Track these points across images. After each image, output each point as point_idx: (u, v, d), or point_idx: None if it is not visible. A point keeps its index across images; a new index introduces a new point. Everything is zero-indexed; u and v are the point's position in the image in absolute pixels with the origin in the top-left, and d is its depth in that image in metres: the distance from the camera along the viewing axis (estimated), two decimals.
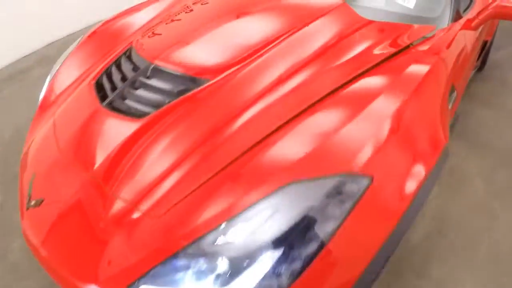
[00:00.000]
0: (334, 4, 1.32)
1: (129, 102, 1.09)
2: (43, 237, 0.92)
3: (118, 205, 0.87)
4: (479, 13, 1.44)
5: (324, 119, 0.92)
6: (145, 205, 0.84)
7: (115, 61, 1.32)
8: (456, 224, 1.47)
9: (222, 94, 1.03)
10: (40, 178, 1.05)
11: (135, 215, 0.84)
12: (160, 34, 1.37)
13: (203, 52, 1.18)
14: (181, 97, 1.03)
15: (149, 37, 1.37)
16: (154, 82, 1.12)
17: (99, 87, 1.23)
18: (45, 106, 1.39)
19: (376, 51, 1.13)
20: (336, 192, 0.75)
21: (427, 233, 1.44)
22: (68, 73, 1.49)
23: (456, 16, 1.41)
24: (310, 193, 0.75)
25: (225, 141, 0.90)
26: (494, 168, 1.70)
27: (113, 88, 1.18)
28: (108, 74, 1.27)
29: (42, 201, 0.98)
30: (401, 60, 1.11)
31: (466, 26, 1.42)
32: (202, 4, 1.53)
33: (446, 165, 0.97)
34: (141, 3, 1.88)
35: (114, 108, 1.09)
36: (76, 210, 0.92)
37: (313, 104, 0.97)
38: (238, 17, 1.34)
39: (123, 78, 1.19)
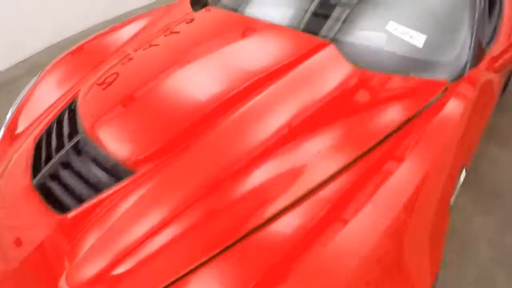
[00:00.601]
0: (316, 45, 1.00)
1: (56, 187, 0.88)
2: None
3: None
4: (504, 51, 1.10)
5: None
6: None
7: (59, 116, 1.10)
8: None
9: (151, 192, 0.78)
10: None
11: None
12: (109, 82, 1.09)
13: (145, 123, 0.91)
14: (105, 192, 0.80)
15: (91, 94, 1.09)
16: (83, 161, 0.90)
17: (38, 150, 1.02)
18: (3, 147, 1.19)
19: (369, 129, 0.83)
20: None
21: None
22: (31, 107, 1.29)
23: (478, 53, 1.07)
24: None
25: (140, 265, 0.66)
26: (504, 230, 1.39)
27: (49, 157, 0.97)
28: (48, 133, 1.06)
29: None
30: (396, 144, 0.81)
31: (489, 67, 1.09)
32: (166, 36, 1.24)
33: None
34: (129, 20, 1.63)
35: (42, 189, 0.89)
36: None
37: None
38: (196, 59, 1.04)
39: (59, 146, 0.97)
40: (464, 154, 0.89)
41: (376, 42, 1.06)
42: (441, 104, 0.88)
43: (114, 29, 1.52)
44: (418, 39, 1.05)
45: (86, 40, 1.52)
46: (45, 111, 1.25)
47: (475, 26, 1.10)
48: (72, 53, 1.46)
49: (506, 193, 1.51)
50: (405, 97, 0.88)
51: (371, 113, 0.84)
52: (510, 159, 1.67)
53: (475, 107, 0.94)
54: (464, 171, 0.89)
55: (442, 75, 0.99)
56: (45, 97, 1.31)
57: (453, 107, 0.87)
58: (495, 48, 1.16)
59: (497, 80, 1.14)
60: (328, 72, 0.94)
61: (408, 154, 0.78)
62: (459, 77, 1.00)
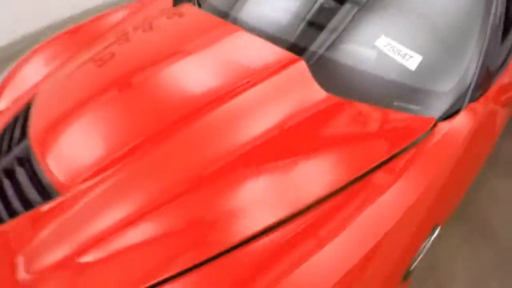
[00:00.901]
0: (286, 61, 0.86)
1: None
2: None
3: None
4: None
5: None
6: None
7: (20, 113, 1.02)
8: None
9: (74, 216, 0.69)
10: None
11: None
12: (64, 86, 1.00)
13: (89, 138, 0.82)
14: (31, 211, 0.73)
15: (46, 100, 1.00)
16: (23, 171, 0.82)
17: None
18: None
19: (328, 172, 0.69)
20: None
21: None
22: (14, 87, 1.22)
23: (484, 81, 0.88)
24: None
25: None
26: (487, 273, 1.22)
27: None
28: (6, 130, 0.98)
29: None
30: (359, 193, 0.67)
31: (496, 99, 0.90)
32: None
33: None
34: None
35: None
36: None
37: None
38: (151, 76, 0.94)
39: (10, 146, 0.90)
40: (440, 211, 0.73)
41: (361, 61, 0.89)
42: (422, 147, 0.72)
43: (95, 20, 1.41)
44: (412, 61, 0.88)
45: (80, 23, 1.43)
46: (19, 97, 1.18)
47: (484, 49, 0.91)
48: (64, 34, 1.37)
49: (499, 233, 1.33)
50: (380, 135, 0.72)
51: (333, 150, 0.69)
52: (509, 190, 1.47)
53: (466, 153, 0.77)
54: (438, 230, 0.73)
55: (434, 108, 0.81)
56: (28, 78, 1.25)
57: (435, 154, 0.71)
58: (506, 76, 0.97)
59: (503, 115, 0.95)
60: (293, 92, 0.79)
61: (370, 205, 0.63)
62: (454, 112, 0.82)
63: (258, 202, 0.66)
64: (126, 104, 0.87)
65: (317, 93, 0.78)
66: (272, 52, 0.88)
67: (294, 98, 0.77)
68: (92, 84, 0.96)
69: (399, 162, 0.69)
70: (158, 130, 0.79)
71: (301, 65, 0.84)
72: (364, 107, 0.78)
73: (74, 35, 1.39)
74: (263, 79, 0.82)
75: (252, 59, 0.87)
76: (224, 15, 1.16)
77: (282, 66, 0.83)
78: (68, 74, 1.07)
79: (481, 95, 0.88)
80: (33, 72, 1.24)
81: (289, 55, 0.88)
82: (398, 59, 0.88)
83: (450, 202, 0.78)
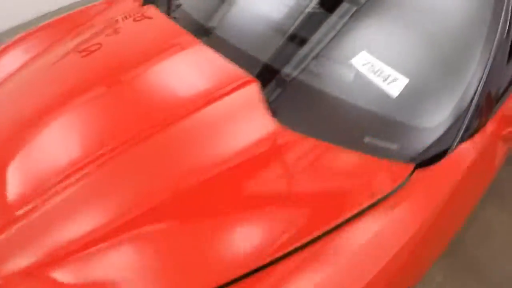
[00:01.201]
0: (236, 81, 0.70)
1: None
2: None
3: None
4: None
5: None
6: None
7: None
8: None
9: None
10: None
11: None
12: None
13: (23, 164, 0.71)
14: None
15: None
16: None
17: None
18: None
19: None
20: None
21: None
22: None
23: (483, 112, 0.70)
24: None
25: None
26: None
27: None
28: None
29: None
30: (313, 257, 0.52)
31: (496, 132, 0.72)
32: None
33: None
34: None
35: None
36: None
37: None
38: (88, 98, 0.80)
39: None
40: (413, 273, 0.58)
41: (332, 83, 0.72)
42: (395, 203, 0.56)
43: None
44: (395, 84, 0.71)
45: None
46: None
47: (486, 73, 0.73)
48: (48, 25, 1.25)
49: (487, 270, 1.17)
50: (339, 187, 0.56)
51: (274, 201, 0.54)
52: (508, 225, 1.30)
53: (450, 205, 0.60)
54: None
55: (415, 148, 0.64)
56: (5, 70, 1.14)
57: (410, 211, 0.55)
58: (510, 104, 0.79)
59: (502, 151, 0.78)
60: (240, 121, 0.63)
61: (328, 273, 0.49)
62: (441, 155, 0.65)
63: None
64: (63, 126, 0.74)
65: (264, 123, 0.62)
66: (226, 71, 0.73)
67: (240, 128, 0.62)
68: (32, 99, 0.84)
69: (364, 222, 0.54)
70: (88, 160, 0.67)
71: (253, 88, 0.68)
72: (322, 146, 0.61)
73: (56, 27, 1.27)
74: (211, 101, 0.67)
75: (203, 77, 0.72)
76: (193, 24, 1.00)
77: (234, 88, 0.68)
78: (14, 83, 0.95)
79: (478, 130, 0.70)
80: (11, 63, 1.14)
81: (243, 75, 0.72)
82: (378, 81, 0.71)
83: (425, 262, 0.63)
